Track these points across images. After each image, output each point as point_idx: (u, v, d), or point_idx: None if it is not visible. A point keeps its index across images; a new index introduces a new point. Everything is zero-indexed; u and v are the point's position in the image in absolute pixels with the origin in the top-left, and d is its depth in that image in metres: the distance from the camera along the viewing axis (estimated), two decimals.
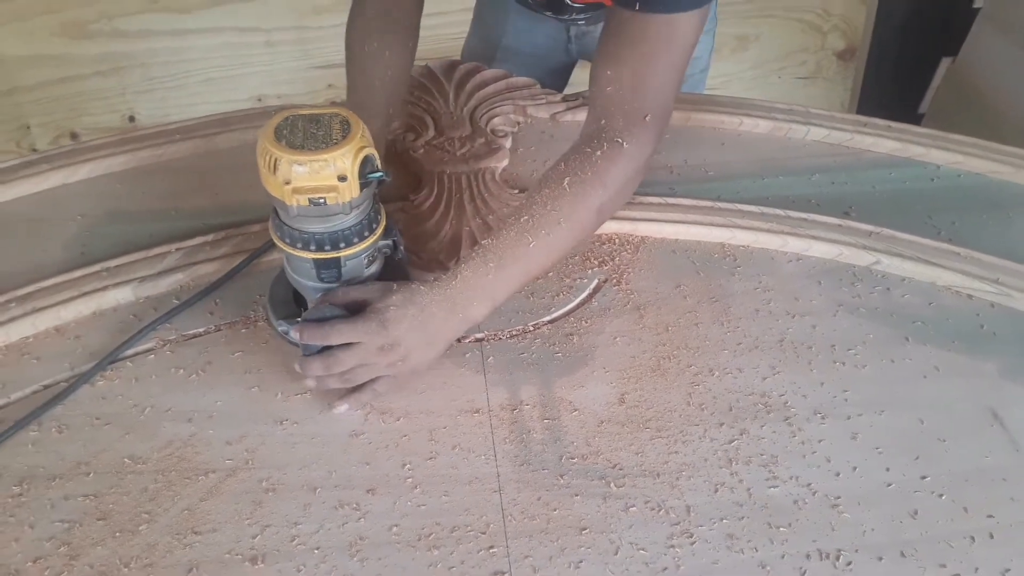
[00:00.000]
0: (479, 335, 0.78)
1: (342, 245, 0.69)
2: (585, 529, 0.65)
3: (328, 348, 0.69)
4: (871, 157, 0.99)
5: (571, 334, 0.79)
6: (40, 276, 0.80)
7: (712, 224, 0.88)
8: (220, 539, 0.63)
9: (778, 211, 0.89)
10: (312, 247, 0.69)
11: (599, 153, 0.74)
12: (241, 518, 0.65)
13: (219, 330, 0.78)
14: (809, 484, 0.68)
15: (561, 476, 0.68)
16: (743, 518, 0.66)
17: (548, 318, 0.80)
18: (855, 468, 0.69)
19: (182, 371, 0.74)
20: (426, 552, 0.63)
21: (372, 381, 0.71)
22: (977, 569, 0.63)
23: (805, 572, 0.62)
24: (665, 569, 0.63)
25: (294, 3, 1.78)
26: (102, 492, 0.66)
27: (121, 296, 0.79)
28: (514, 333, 0.79)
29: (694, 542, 0.64)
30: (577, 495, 0.67)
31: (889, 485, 0.68)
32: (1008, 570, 0.63)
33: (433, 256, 0.84)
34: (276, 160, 0.64)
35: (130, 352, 0.75)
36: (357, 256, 0.71)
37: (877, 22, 1.95)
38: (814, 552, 0.64)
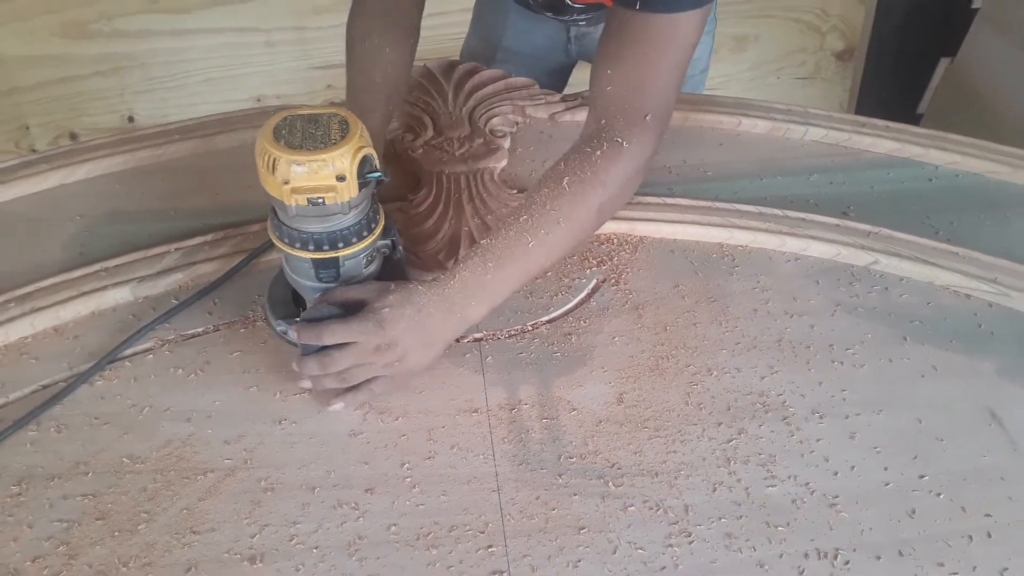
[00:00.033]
0: (478, 335, 0.78)
1: (341, 245, 0.69)
2: (583, 528, 0.65)
3: (326, 348, 0.69)
4: (869, 157, 0.99)
5: (569, 334, 0.79)
6: (39, 276, 0.80)
7: (710, 224, 0.88)
8: (219, 538, 0.63)
9: (776, 211, 0.89)
10: (311, 247, 0.69)
11: (599, 153, 0.73)
12: (240, 517, 0.65)
13: (218, 330, 0.78)
14: (807, 483, 0.68)
15: (559, 475, 0.68)
16: (741, 517, 0.66)
17: (547, 318, 0.80)
18: (853, 467, 0.69)
19: (181, 371, 0.74)
20: (424, 551, 0.63)
21: (369, 381, 0.71)
22: (975, 568, 0.63)
23: (803, 571, 0.63)
24: (663, 568, 0.63)
25: (294, 3, 1.78)
26: (101, 492, 0.66)
27: (120, 296, 0.79)
28: (512, 333, 0.79)
29: (692, 541, 0.64)
30: (575, 494, 0.67)
31: (887, 484, 0.68)
32: (1006, 569, 0.63)
33: (432, 256, 0.84)
34: (275, 160, 0.64)
35: (129, 352, 0.76)
36: (356, 256, 0.71)
37: (876, 22, 1.96)
38: (812, 551, 0.64)
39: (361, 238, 0.70)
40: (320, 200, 0.66)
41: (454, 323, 0.70)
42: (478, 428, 0.71)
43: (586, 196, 0.73)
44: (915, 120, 1.90)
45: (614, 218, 0.86)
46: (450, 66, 1.07)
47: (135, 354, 0.76)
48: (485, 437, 0.71)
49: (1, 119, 1.76)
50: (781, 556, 0.63)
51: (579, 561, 0.63)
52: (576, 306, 0.82)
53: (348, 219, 0.69)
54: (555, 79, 1.23)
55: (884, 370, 0.77)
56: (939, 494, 0.68)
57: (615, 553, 0.63)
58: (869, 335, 0.80)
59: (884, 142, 0.99)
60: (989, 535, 0.65)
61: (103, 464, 0.68)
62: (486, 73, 1.06)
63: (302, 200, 0.66)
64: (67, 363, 0.74)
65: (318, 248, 0.69)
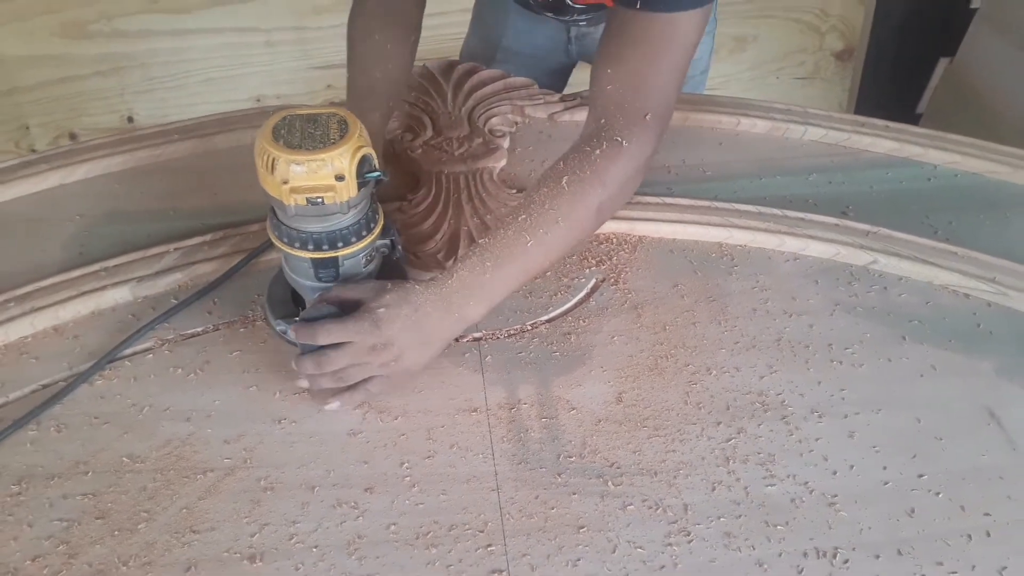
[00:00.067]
0: (477, 334, 0.79)
1: (340, 244, 0.69)
2: (583, 527, 0.65)
3: (322, 347, 0.69)
4: (868, 157, 0.99)
5: (569, 333, 0.79)
6: (39, 276, 0.80)
7: (709, 224, 0.88)
8: (218, 538, 0.63)
9: (775, 211, 0.90)
10: (310, 246, 0.69)
11: (598, 152, 0.73)
12: (239, 517, 0.65)
13: (217, 329, 0.78)
14: (806, 483, 0.68)
15: (559, 475, 0.68)
16: (740, 516, 0.66)
17: (546, 317, 0.80)
18: (852, 467, 0.69)
19: (180, 370, 0.75)
20: (424, 550, 0.63)
21: (365, 381, 0.71)
22: (974, 567, 0.63)
23: (802, 570, 0.63)
24: (663, 567, 0.63)
25: (294, 3, 1.78)
26: (101, 491, 0.66)
27: (119, 296, 0.79)
28: (512, 332, 0.79)
29: (691, 540, 0.64)
30: (575, 494, 0.67)
31: (886, 483, 0.68)
32: (1005, 568, 0.63)
33: (431, 256, 0.84)
34: (274, 160, 0.64)
35: (128, 351, 0.76)
36: (355, 255, 0.71)
37: (875, 22, 1.96)
38: (811, 550, 0.64)
39: (360, 238, 0.70)
40: (319, 200, 0.66)
41: (452, 323, 0.70)
42: (477, 427, 0.71)
43: (585, 195, 0.72)
44: (914, 120, 1.90)
45: (613, 218, 0.86)
46: (449, 66, 1.07)
47: (135, 354, 0.76)
48: (484, 436, 0.71)
49: (1, 119, 1.76)
50: (780, 555, 0.64)
51: (578, 560, 0.63)
52: (575, 306, 0.82)
53: (347, 219, 0.69)
54: (555, 80, 1.23)
55: (883, 369, 0.77)
56: (938, 493, 0.68)
57: (614, 552, 0.63)
58: (868, 334, 0.80)
59: (883, 142, 1.00)
60: (988, 534, 0.65)
61: (103, 463, 0.68)
62: (485, 73, 1.06)
63: (301, 200, 0.66)
64: (67, 363, 0.74)
65: (317, 248, 0.69)
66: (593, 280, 0.84)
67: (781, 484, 0.68)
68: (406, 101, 1.00)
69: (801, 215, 0.89)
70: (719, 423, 0.72)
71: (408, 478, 0.68)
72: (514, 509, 0.66)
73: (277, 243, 0.70)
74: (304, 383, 0.71)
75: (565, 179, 0.72)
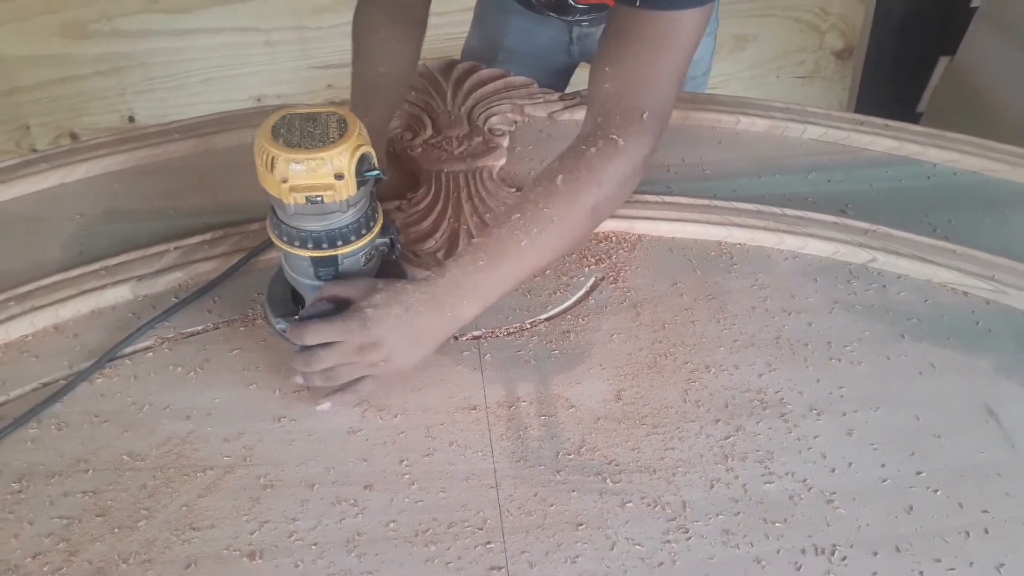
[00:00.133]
0: (476, 332, 0.79)
1: (339, 243, 0.70)
2: (581, 525, 0.65)
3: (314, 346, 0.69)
4: (868, 155, 0.99)
5: (568, 331, 0.79)
6: (39, 275, 0.80)
7: (709, 222, 0.88)
8: (218, 535, 0.64)
9: (775, 209, 0.90)
10: (309, 245, 0.69)
11: (594, 151, 0.72)
12: (239, 514, 0.65)
13: (217, 328, 0.78)
14: (805, 480, 0.68)
15: (558, 472, 0.68)
16: (739, 514, 0.66)
17: (545, 316, 0.80)
18: (851, 464, 0.69)
19: (180, 369, 0.75)
20: (423, 548, 0.63)
21: (356, 381, 0.70)
22: (972, 564, 0.63)
23: (800, 567, 0.63)
24: (661, 564, 0.63)
25: (294, 3, 1.78)
26: (101, 489, 0.66)
27: (120, 294, 0.80)
28: (511, 330, 0.79)
29: (690, 537, 0.64)
30: (574, 491, 0.67)
31: (884, 481, 0.69)
32: (1003, 565, 0.63)
33: (430, 254, 0.84)
34: (273, 158, 0.65)
35: (129, 350, 0.76)
36: (354, 254, 0.71)
37: (875, 21, 1.96)
38: (809, 547, 0.64)
39: (360, 236, 0.71)
40: (319, 198, 0.66)
41: (444, 322, 0.69)
42: (477, 425, 0.72)
43: (580, 195, 0.71)
44: (914, 119, 1.90)
45: (613, 216, 0.86)
46: (449, 65, 1.07)
47: (135, 352, 0.76)
48: (484, 434, 0.71)
49: (1, 119, 1.76)
50: (778, 552, 0.64)
51: (577, 557, 0.63)
52: (574, 304, 0.82)
53: (347, 217, 0.69)
54: (557, 80, 1.22)
55: (882, 367, 0.77)
56: (936, 490, 0.68)
57: (613, 549, 0.64)
58: (867, 332, 0.80)
59: (882, 140, 1.00)
60: (986, 531, 0.65)
61: (103, 461, 0.68)
62: (485, 72, 1.06)
63: (301, 198, 0.66)
64: (67, 361, 0.75)
65: (317, 246, 0.69)
66: (592, 278, 0.84)
67: (780, 481, 0.68)
68: (406, 100, 1.00)
69: (800, 213, 0.89)
70: (718, 421, 0.72)
71: (407, 476, 0.68)
72: (513, 506, 0.66)
73: (277, 242, 0.70)
74: (299, 379, 0.71)
75: (560, 178, 0.72)
